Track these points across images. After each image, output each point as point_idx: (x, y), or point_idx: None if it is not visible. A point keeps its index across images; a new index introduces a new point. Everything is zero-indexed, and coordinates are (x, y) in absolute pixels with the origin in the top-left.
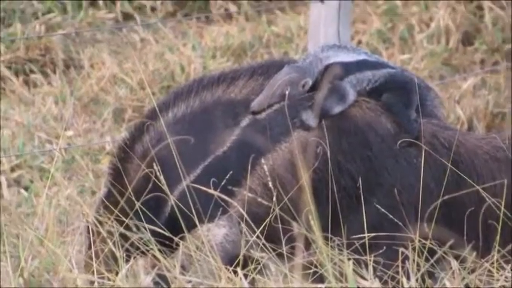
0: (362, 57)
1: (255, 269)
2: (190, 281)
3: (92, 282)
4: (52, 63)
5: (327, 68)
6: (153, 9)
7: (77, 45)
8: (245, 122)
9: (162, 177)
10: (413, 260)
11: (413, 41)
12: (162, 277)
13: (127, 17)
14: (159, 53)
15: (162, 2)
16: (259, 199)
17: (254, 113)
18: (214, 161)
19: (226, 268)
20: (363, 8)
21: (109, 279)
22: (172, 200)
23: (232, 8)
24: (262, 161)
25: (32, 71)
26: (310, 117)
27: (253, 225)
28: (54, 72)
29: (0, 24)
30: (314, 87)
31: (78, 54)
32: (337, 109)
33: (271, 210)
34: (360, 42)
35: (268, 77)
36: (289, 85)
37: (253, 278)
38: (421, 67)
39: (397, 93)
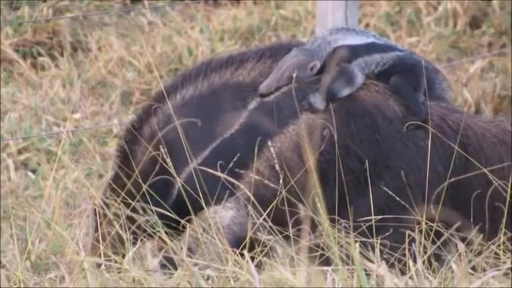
0: (371, 40)
1: (261, 251)
2: (197, 264)
3: (99, 265)
4: (60, 46)
5: (336, 50)
6: None
7: (85, 28)
8: (253, 104)
9: (169, 160)
10: (420, 243)
11: (420, 24)
12: (169, 260)
13: (135, 0)
14: (167, 36)
15: None
16: (266, 181)
17: (262, 95)
18: (221, 143)
19: (233, 251)
20: None
21: (116, 262)
22: (179, 182)
23: None
24: (270, 143)
25: (39, 54)
26: (318, 100)
27: (260, 207)
28: (62, 55)
29: (8, 7)
30: (322, 70)
31: (85, 37)
32: (345, 92)
33: (278, 192)
34: (367, 25)
35: (277, 60)
36: (298, 68)
37: (260, 261)
38: (429, 50)
39: (406, 76)
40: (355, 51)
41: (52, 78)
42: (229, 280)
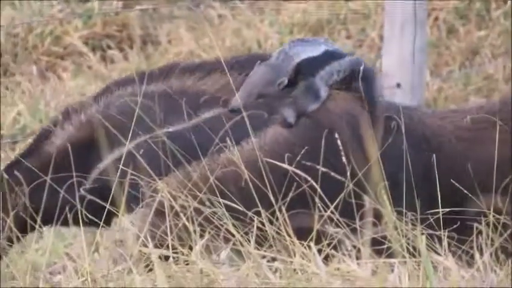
0: (323, 48)
1: (329, 244)
2: (264, 256)
3: (167, 258)
4: (129, 39)
5: (299, 65)
6: None
7: (155, 21)
8: (207, 114)
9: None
10: (487, 235)
11: (490, 17)
12: (237, 252)
13: None
14: (236, 29)
15: None
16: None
17: (233, 111)
18: (148, 143)
19: (300, 243)
20: None
21: (183, 254)
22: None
23: None
24: (207, 157)
25: (109, 47)
26: (290, 115)
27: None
28: (131, 48)
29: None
30: (288, 85)
31: (155, 30)
32: (312, 106)
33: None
34: (436, 18)
35: (243, 73)
36: (267, 84)
37: (328, 254)
38: (498, 44)
39: (365, 80)
40: (317, 64)
41: (121, 71)
42: (297, 272)
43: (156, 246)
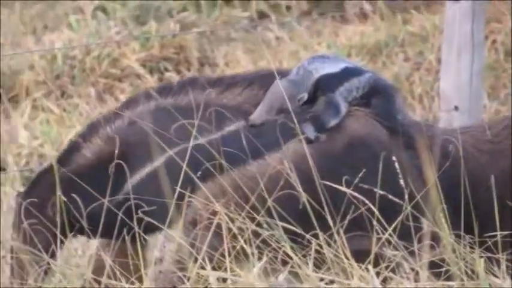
0: (343, 65)
1: (387, 267)
2: (322, 279)
3: (225, 280)
4: (186, 62)
5: (319, 81)
6: (288, 8)
7: (212, 44)
8: (231, 127)
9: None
10: None
11: None
12: (295, 275)
13: (262, 15)
14: (294, 52)
15: (297, 1)
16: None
17: (253, 126)
18: (179, 155)
19: (359, 266)
20: (498, 7)
21: (241, 277)
22: (129, 184)
23: (368, 7)
24: (238, 168)
25: (166, 69)
26: (310, 131)
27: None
28: (189, 70)
29: (134, 22)
30: (307, 101)
31: (212, 52)
32: (332, 122)
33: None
34: (494, 41)
35: (263, 88)
36: (289, 99)
37: (386, 277)
38: None
39: (384, 97)
40: (337, 80)
41: None
42: None
43: (213, 269)
